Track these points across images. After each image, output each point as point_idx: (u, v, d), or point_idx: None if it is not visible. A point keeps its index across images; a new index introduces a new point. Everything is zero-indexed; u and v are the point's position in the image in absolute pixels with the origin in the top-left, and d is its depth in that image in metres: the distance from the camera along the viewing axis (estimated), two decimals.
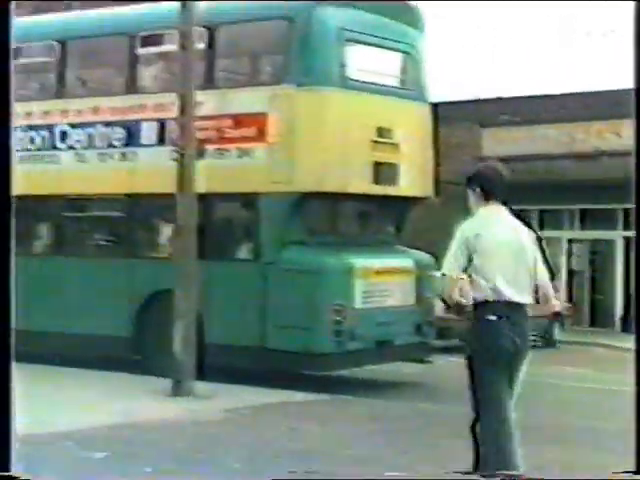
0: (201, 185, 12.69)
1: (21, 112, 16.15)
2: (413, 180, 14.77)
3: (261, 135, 13.83)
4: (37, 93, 16.96)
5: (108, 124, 15.21)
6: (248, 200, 14.04)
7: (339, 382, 14.15)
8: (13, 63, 16.66)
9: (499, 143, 27.08)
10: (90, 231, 16.15)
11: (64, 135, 15.65)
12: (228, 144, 14.06)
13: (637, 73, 5.79)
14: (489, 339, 6.60)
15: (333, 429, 10.37)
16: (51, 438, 9.41)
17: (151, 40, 15.12)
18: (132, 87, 15.34)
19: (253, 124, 13.96)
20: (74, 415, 10.63)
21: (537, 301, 6.84)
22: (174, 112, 13.08)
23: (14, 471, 5.11)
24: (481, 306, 6.58)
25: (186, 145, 12.57)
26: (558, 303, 8.76)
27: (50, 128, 15.80)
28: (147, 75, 15.63)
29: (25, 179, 15.78)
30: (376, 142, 14.12)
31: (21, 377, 13.72)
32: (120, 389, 12.65)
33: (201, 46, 13.71)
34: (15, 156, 15.08)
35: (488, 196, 6.81)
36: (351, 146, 13.93)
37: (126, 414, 10.84)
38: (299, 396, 12.38)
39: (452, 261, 6.61)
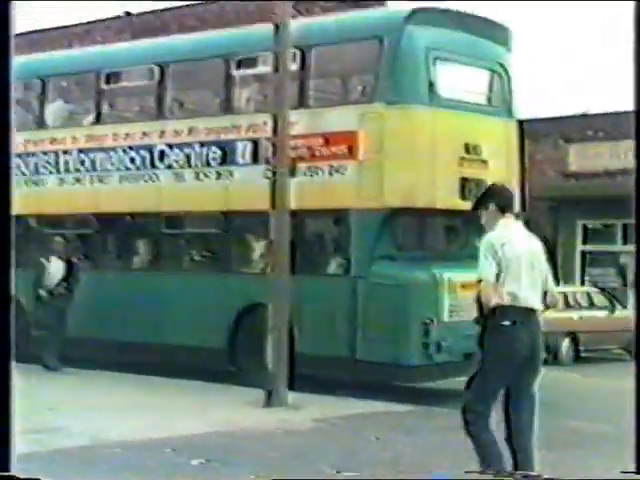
0: (293, 202, 12.69)
1: (121, 133, 16.40)
2: None
3: (351, 153, 13.80)
4: (137, 115, 17.19)
5: (204, 144, 15.32)
6: (339, 216, 14.03)
7: (425, 393, 14.04)
8: (114, 86, 16.79)
9: (584, 158, 26.72)
10: (187, 247, 16.27)
11: (162, 155, 15.80)
12: (319, 162, 14.06)
13: (637, 73, 5.72)
14: (505, 343, 6.88)
15: (419, 439, 10.27)
16: (150, 444, 9.49)
17: (246, 62, 15.22)
18: (227, 108, 15.45)
19: (344, 142, 13.93)
20: (171, 423, 10.68)
21: (547, 307, 7.22)
22: (268, 132, 13.14)
23: (14, 471, 5.06)
24: (499, 311, 6.88)
25: (279, 163, 12.59)
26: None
27: (149, 148, 15.97)
28: (242, 96, 15.70)
29: (125, 197, 16.11)
30: (464, 158, 14.01)
31: (122, 386, 13.89)
32: (215, 399, 12.70)
33: (294, 67, 13.74)
34: (114, 176, 15.02)
35: (504, 211, 7.19)
36: (439, 162, 13.84)
37: (221, 423, 10.87)
38: (387, 406, 12.30)
39: (488, 268, 6.89)
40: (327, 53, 14.67)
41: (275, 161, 12.67)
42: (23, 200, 17.29)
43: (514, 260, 6.95)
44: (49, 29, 43.02)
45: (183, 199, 15.54)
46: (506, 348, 6.88)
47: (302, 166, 13.82)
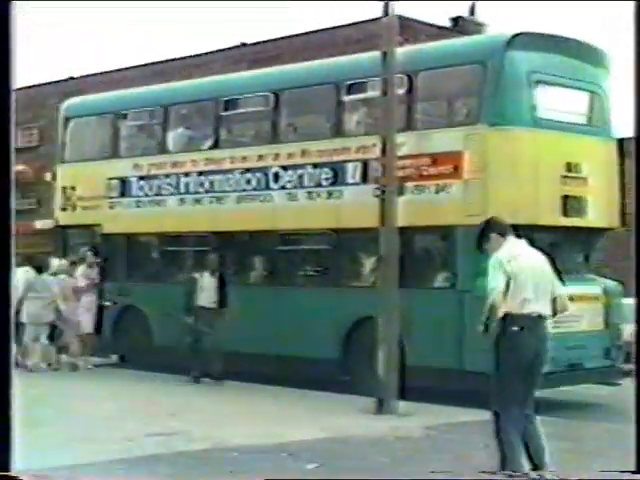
0: (401, 219, 12.74)
1: (238, 157, 16.67)
2: (600, 212, 14.47)
3: (457, 172, 13.81)
4: (253, 139, 17.44)
5: (316, 165, 15.48)
6: (445, 232, 14.03)
7: None
8: (232, 113, 17.04)
9: None
10: (300, 263, 16.41)
11: (277, 176, 16.00)
12: (426, 181, 14.10)
13: (637, 73, 5.68)
14: (514, 347, 7.55)
15: None
16: (267, 449, 9.61)
17: (355, 88, 15.33)
18: (338, 131, 15.58)
19: (449, 162, 13.95)
20: (287, 429, 10.78)
21: (554, 313, 7.88)
22: (376, 153, 13.24)
23: (14, 471, 5.05)
24: (509, 318, 7.53)
25: (388, 183, 12.67)
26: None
27: (264, 170, 16.19)
28: (351, 120, 15.83)
29: (242, 216, 16.34)
30: (565, 177, 13.91)
31: (242, 394, 14.03)
32: (329, 407, 12.78)
33: (401, 91, 13.80)
34: (232, 196, 15.23)
35: (504, 235, 8.11)
36: (541, 181, 13.77)
37: (334, 429, 10.94)
38: None
39: (497, 280, 7.59)
40: (432, 78, 14.70)
41: (383, 181, 12.75)
42: (146, 219, 17.89)
43: (520, 273, 7.62)
44: (170, 60, 43.86)
45: (296, 218, 15.72)
46: (515, 352, 7.52)
47: (409, 185, 13.91)
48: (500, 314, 7.51)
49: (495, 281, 7.58)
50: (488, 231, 8.31)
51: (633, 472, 5.64)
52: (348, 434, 10.72)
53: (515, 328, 7.53)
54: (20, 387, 13.46)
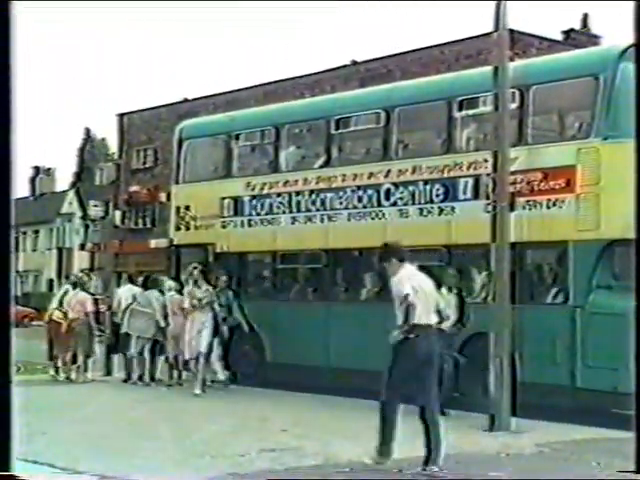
0: (513, 234, 12.70)
1: (349, 174, 16.82)
2: None
3: (569, 187, 13.72)
4: (364, 157, 17.57)
5: (427, 182, 15.54)
6: (557, 247, 13.93)
7: None
8: (343, 131, 17.20)
9: None
10: None
11: (388, 193, 16.10)
12: (538, 196, 14.04)
13: (637, 72, 5.62)
14: (411, 352, 9.52)
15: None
16: (377, 465, 9.66)
17: (467, 104, 15.35)
18: (449, 147, 15.61)
19: (562, 176, 13.87)
20: (397, 445, 10.78)
21: (440, 321, 10.01)
22: (488, 168, 13.20)
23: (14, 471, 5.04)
24: (408, 327, 9.48)
25: (500, 198, 12.63)
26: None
27: (376, 187, 16.31)
28: (463, 135, 15.83)
29: (353, 234, 16.47)
30: None
31: (354, 410, 14.06)
32: (440, 423, 12.72)
33: (513, 106, 13.77)
34: (343, 214, 15.35)
35: (402, 261, 9.76)
36: None
37: (446, 446, 10.90)
38: (607, 433, 12.05)
39: (412, 294, 9.45)
40: (545, 92, 14.62)
41: (495, 196, 12.72)
42: (258, 238, 18.16)
43: (421, 290, 9.60)
44: (282, 80, 44.39)
45: (408, 234, 15.73)
46: (411, 355, 9.53)
47: (521, 200, 13.83)
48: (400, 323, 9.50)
49: (411, 296, 9.46)
50: (388, 256, 9.86)
51: (633, 472, 5.56)
52: (460, 451, 10.69)
53: (412, 336, 9.45)
54: (130, 401, 13.78)
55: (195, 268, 16.83)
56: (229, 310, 17.54)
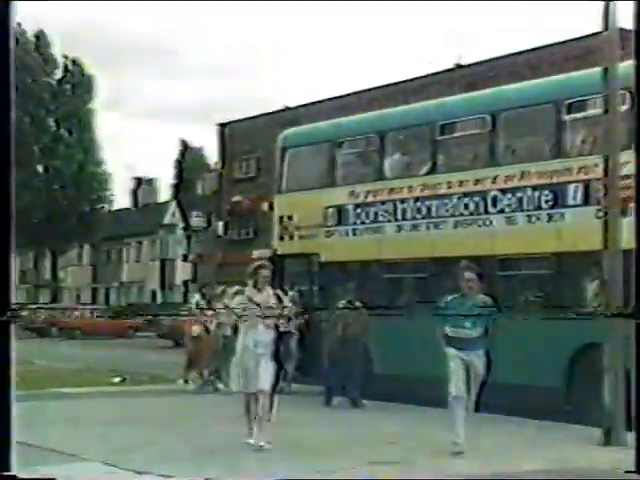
0: (625, 241, 12.53)
1: (455, 181, 16.79)
2: None
3: None
4: (470, 163, 17.50)
5: (536, 188, 15.42)
6: None
7: None
8: (448, 137, 17.21)
9: None
10: (520, 288, 16.32)
11: (495, 200, 16.04)
12: None
13: (637, 72, 5.50)
14: None
15: None
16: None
17: (576, 106, 15.20)
18: (558, 152, 15.48)
19: None
20: (511, 459, 10.76)
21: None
22: (599, 173, 13.05)
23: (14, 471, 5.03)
24: None
25: (611, 204, 12.50)
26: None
27: (482, 194, 16.25)
28: (572, 140, 15.67)
29: (460, 242, 16.43)
30: None
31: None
32: (551, 436, 12.65)
33: (624, 108, 13.59)
34: (449, 222, 15.35)
35: None
36: None
37: (560, 460, 10.83)
38: None
39: None
40: None
41: (606, 201, 12.58)
42: (363, 247, 18.24)
43: None
44: (385, 86, 44.45)
45: (516, 242, 15.69)
46: None
47: (633, 205, 13.58)
48: None
49: None
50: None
51: (633, 472, 5.44)
52: (575, 465, 10.60)
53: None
54: (215, 409, 13.82)
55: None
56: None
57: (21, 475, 4.91)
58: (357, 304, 16.36)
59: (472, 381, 11.65)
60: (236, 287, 16.91)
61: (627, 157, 13.24)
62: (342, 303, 16.43)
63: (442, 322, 11.93)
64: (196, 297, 20.48)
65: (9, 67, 4.92)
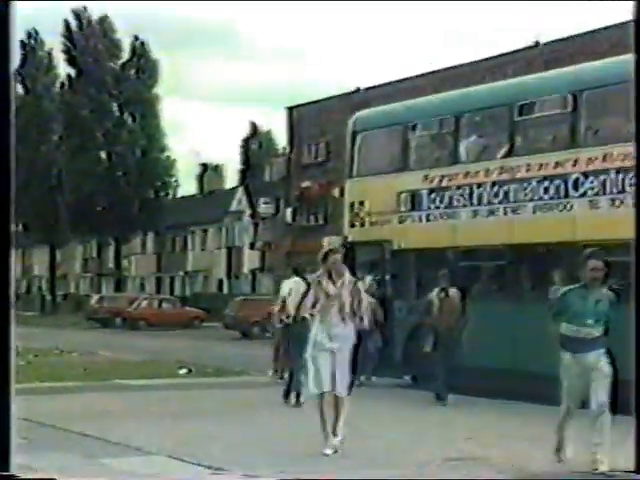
0: None
1: (534, 164, 16.58)
2: None
3: None
4: (550, 145, 17.26)
5: (619, 170, 15.17)
6: None
7: None
8: (527, 118, 16.93)
9: None
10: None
11: (577, 183, 15.82)
12: None
13: (637, 72, 5.37)
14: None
15: None
16: (573, 476, 9.50)
17: None
18: None
19: None
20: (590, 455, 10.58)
21: None
22: None
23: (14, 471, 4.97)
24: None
25: None
26: None
27: (563, 177, 16.04)
28: None
29: (540, 227, 16.22)
30: None
31: (534, 416, 13.74)
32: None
33: None
34: (528, 206, 15.01)
35: None
36: None
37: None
38: None
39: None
40: None
41: None
42: (437, 233, 18.11)
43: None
44: (460, 65, 44.14)
45: (598, 227, 15.43)
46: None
47: None
48: None
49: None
50: None
51: (633, 472, 5.29)
52: None
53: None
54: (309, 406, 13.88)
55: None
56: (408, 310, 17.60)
57: (21, 475, 4.95)
58: (452, 291, 16.07)
59: (596, 383, 10.07)
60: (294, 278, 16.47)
61: None
62: (435, 291, 16.13)
63: (557, 317, 10.38)
64: (290, 285, 18.77)
65: (9, 67, 4.98)
